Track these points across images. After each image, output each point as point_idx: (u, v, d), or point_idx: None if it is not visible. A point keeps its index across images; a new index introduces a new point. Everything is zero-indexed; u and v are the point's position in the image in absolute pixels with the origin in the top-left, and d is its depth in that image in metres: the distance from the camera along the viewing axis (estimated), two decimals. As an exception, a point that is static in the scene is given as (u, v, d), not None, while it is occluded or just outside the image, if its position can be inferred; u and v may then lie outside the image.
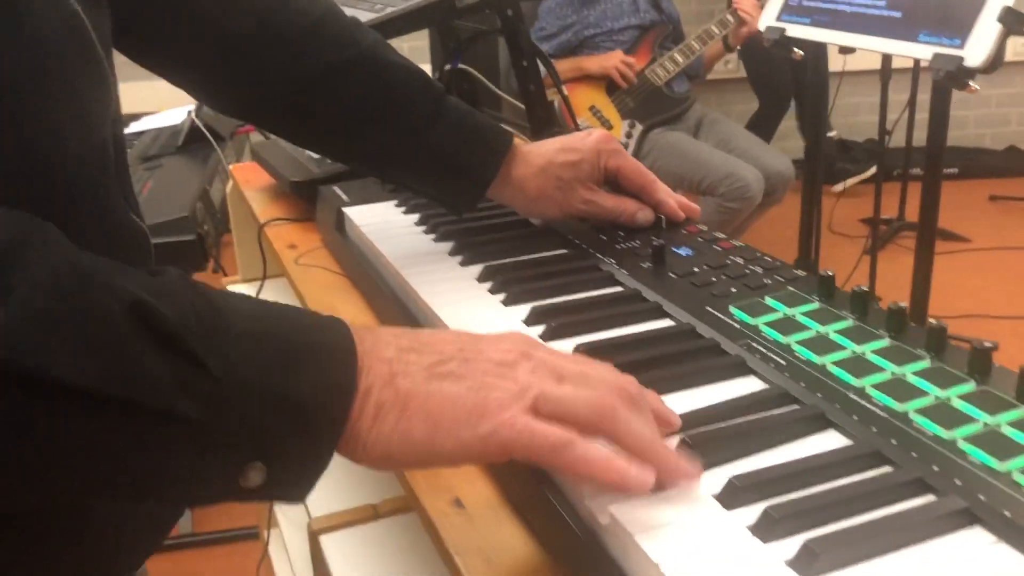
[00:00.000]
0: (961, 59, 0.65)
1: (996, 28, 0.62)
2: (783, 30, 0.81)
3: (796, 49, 2.15)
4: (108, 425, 0.37)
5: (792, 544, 0.42)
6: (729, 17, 2.90)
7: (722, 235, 0.79)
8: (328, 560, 0.81)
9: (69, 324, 0.36)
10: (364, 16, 1.05)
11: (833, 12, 0.77)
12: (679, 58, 2.92)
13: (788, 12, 0.82)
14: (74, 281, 0.38)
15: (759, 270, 0.71)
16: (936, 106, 1.11)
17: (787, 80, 3.60)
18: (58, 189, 0.49)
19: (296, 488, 0.44)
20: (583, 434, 0.45)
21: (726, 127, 2.98)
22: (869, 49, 0.73)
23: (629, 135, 2.85)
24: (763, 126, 4.08)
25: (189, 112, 2.21)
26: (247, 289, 1.34)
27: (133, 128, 2.43)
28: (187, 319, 0.39)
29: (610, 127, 2.84)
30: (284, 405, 0.41)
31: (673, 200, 0.84)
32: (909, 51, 0.69)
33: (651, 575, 0.42)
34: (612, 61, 2.84)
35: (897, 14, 0.71)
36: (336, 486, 0.91)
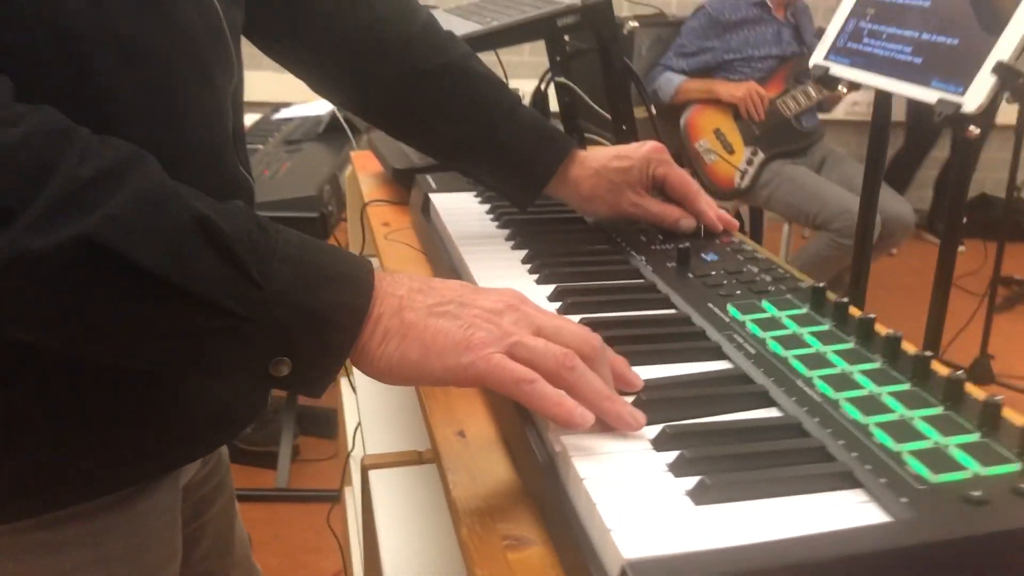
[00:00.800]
0: (959, 105, 0.71)
1: (991, 80, 0.68)
2: (827, 68, 0.88)
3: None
4: (169, 307, 0.51)
5: (696, 480, 0.51)
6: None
7: (749, 245, 0.87)
8: (372, 490, 0.93)
9: (152, 224, 0.50)
10: (474, 27, 1.18)
11: (869, 55, 0.84)
12: (812, 93, 2.93)
13: (834, 52, 0.89)
14: (162, 194, 0.52)
15: (768, 278, 0.79)
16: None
17: (936, 127, 3.55)
18: (184, 137, 0.64)
19: (315, 384, 0.56)
20: (546, 379, 0.56)
21: (850, 166, 2.96)
22: (891, 91, 0.80)
23: (750, 162, 2.89)
24: (903, 169, 4.01)
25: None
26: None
27: (283, 114, 2.67)
28: (241, 236, 0.52)
29: (732, 152, 2.88)
30: (309, 316, 0.54)
31: (713, 212, 0.93)
32: (921, 95, 0.75)
33: (580, 490, 0.52)
34: (741, 92, 2.88)
35: (918, 60, 0.77)
36: (392, 432, 1.03)
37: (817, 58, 0.90)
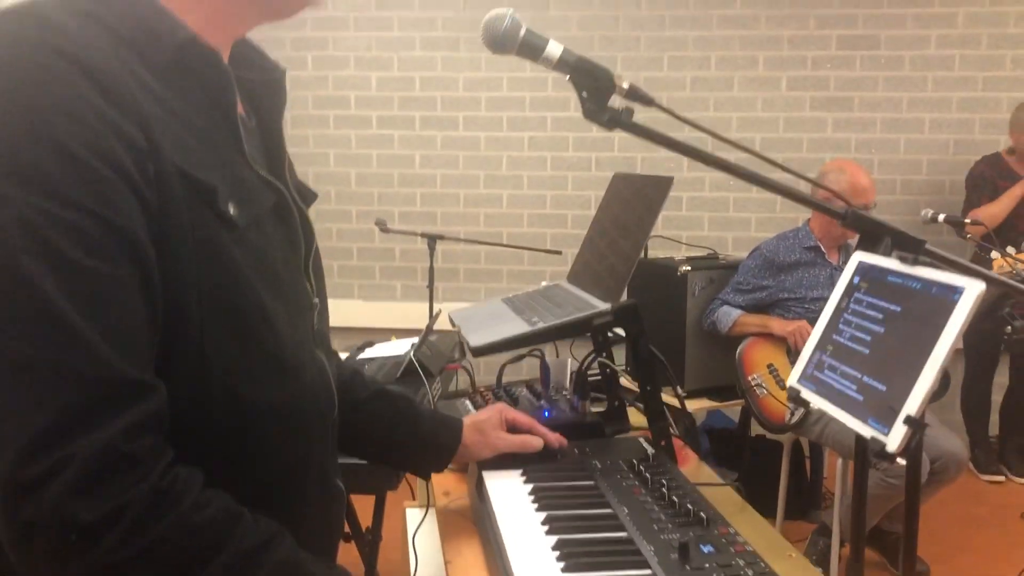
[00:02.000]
0: (884, 444, 0.89)
1: (903, 428, 0.86)
2: (799, 391, 1.07)
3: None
4: None
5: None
6: None
7: (742, 537, 1.04)
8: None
9: None
10: (523, 328, 1.43)
11: (828, 386, 1.03)
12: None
13: (804, 377, 1.09)
14: (295, 566, 0.76)
15: (750, 573, 0.96)
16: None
17: (996, 346, 3.65)
18: (306, 471, 0.91)
19: None
20: None
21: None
22: (843, 422, 0.98)
23: (803, 400, 3.03)
24: (974, 395, 4.04)
25: (412, 344, 2.70)
26: (419, 512, 1.69)
27: (367, 353, 2.96)
28: None
29: (783, 388, 3.03)
30: None
31: (551, 436, 1.37)
32: (863, 430, 0.93)
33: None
34: (792, 327, 3.07)
35: (860, 398, 0.96)
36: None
37: (792, 380, 1.10)
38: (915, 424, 0.85)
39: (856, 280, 1.08)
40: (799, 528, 3.33)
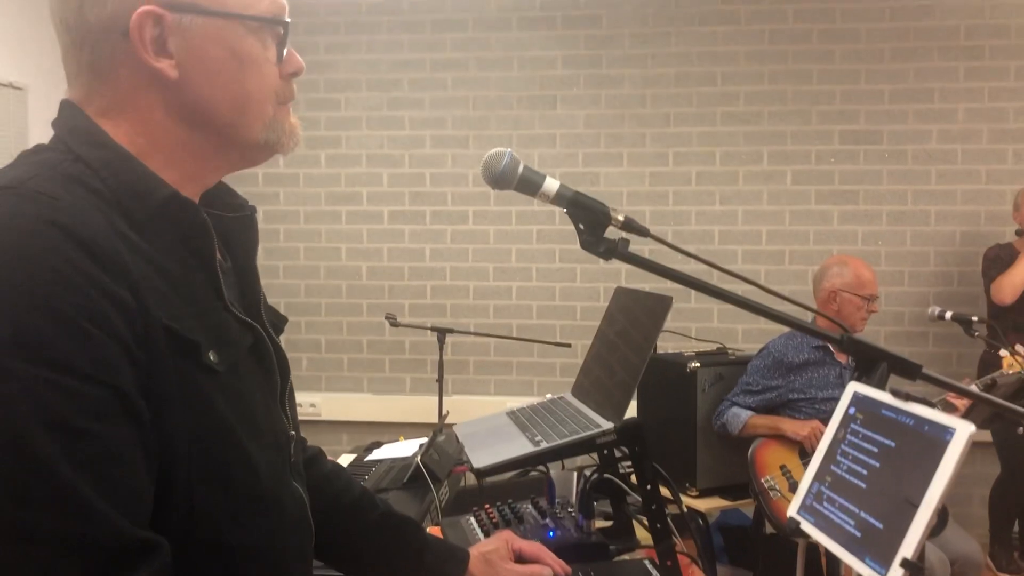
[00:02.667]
0: None
1: (900, 572, 0.86)
2: (799, 523, 1.07)
3: None
4: None
5: None
6: (952, 402, 3.04)
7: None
8: None
9: None
10: (528, 448, 1.43)
11: (827, 519, 1.03)
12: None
13: (803, 509, 1.09)
14: None
15: None
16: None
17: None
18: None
19: None
20: None
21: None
22: (842, 559, 0.98)
23: (815, 500, 2.99)
24: (1009, 490, 3.96)
25: (421, 446, 2.69)
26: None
27: (375, 455, 2.96)
28: None
29: (796, 489, 3.00)
30: None
31: (558, 564, 1.33)
32: (861, 569, 0.93)
33: None
34: (806, 430, 3.04)
35: (858, 534, 0.96)
36: None
37: (792, 511, 1.10)
38: (912, 568, 0.84)
39: (852, 411, 1.09)
40: (817, 630, 3.25)
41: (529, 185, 1.17)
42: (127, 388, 0.74)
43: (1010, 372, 2.91)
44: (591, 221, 1.18)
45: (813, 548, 3.42)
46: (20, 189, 0.77)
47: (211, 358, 0.83)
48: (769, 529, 3.29)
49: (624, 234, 1.20)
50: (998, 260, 3.87)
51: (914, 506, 0.88)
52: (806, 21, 4.30)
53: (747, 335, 4.30)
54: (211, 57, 0.87)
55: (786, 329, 3.36)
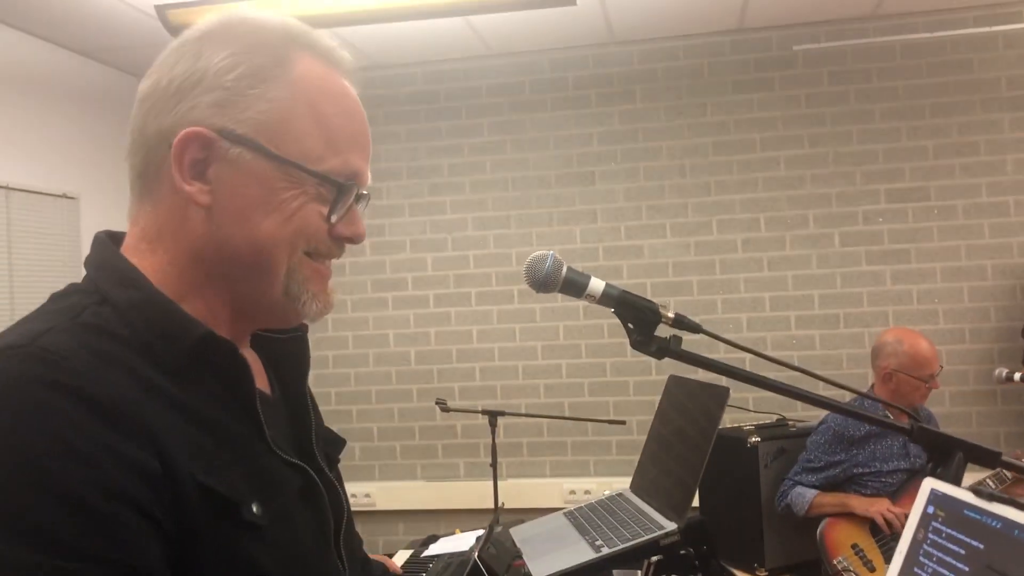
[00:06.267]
0: None
1: None
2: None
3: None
4: None
5: None
6: (1006, 473, 2.91)
7: None
8: None
9: None
10: (589, 555, 1.38)
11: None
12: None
13: None
14: None
15: None
16: None
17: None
18: None
19: None
20: None
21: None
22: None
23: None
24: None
25: (477, 539, 2.63)
26: None
27: (432, 550, 2.89)
28: None
29: (873, 570, 2.86)
30: None
31: None
32: None
33: None
34: (878, 507, 2.91)
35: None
36: None
37: None
38: None
39: (931, 510, 1.02)
40: None
41: (574, 287, 1.14)
42: (148, 565, 0.68)
43: None
44: (640, 320, 1.15)
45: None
46: (29, 348, 0.70)
47: (254, 511, 0.77)
48: (846, 609, 3.14)
49: (675, 331, 1.17)
50: None
51: (1011, 620, 0.81)
52: (842, 83, 4.28)
53: (806, 405, 4.17)
54: (248, 195, 0.82)
55: (844, 397, 3.26)
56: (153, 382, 0.75)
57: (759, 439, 3.22)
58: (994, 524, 0.91)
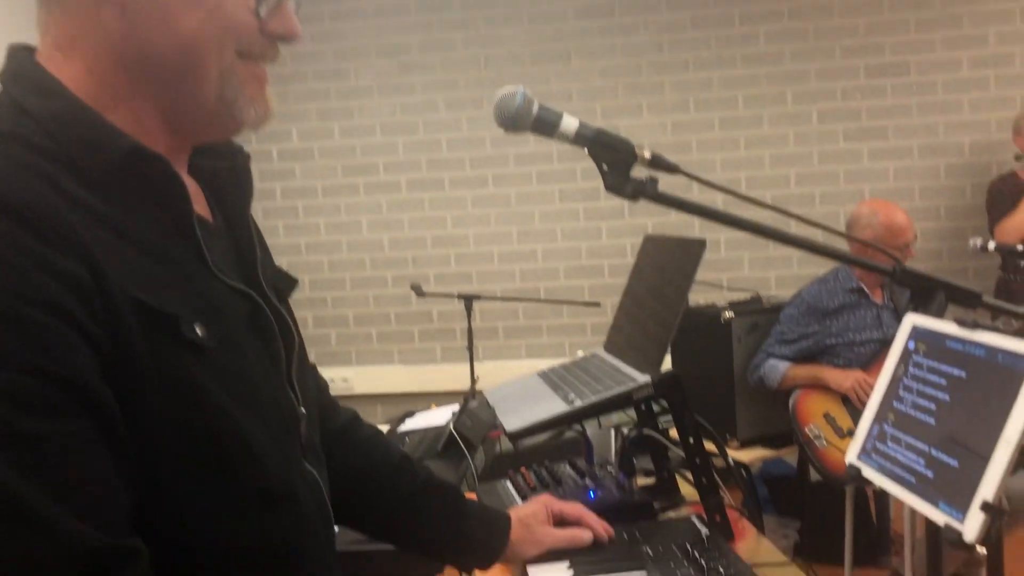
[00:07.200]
0: (960, 533, 0.80)
1: (981, 515, 0.78)
2: (860, 470, 0.99)
3: None
4: None
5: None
6: (1012, 322, 2.93)
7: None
8: None
9: None
10: (561, 407, 1.36)
11: (893, 459, 0.95)
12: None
13: (863, 453, 1.01)
14: None
15: None
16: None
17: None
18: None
19: None
20: None
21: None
22: (904, 501, 0.90)
23: (862, 445, 2.90)
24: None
25: (453, 413, 2.64)
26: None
27: (408, 425, 2.91)
28: None
29: (843, 436, 2.91)
30: None
31: (599, 526, 1.28)
32: (933, 515, 0.85)
33: None
34: (849, 381, 2.94)
35: (930, 474, 0.88)
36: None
37: (851, 457, 1.02)
38: (993, 512, 0.76)
39: (911, 344, 1.00)
40: (869, 575, 3.18)
41: (546, 125, 1.08)
42: (82, 376, 0.64)
43: None
44: (615, 160, 1.09)
45: (861, 495, 3.34)
46: None
47: (197, 332, 0.73)
48: (815, 477, 3.21)
49: (652, 173, 1.12)
50: (1001, 196, 3.70)
51: (993, 443, 0.80)
52: (824, -47, 4.13)
53: (780, 282, 4.19)
54: None
55: (820, 273, 3.26)
56: (78, 197, 0.70)
57: (733, 314, 3.23)
58: (977, 352, 0.89)
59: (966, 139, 4.15)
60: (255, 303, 0.84)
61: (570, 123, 1.08)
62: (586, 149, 1.10)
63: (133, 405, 0.68)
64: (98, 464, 0.65)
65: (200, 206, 0.84)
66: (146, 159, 0.74)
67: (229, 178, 0.89)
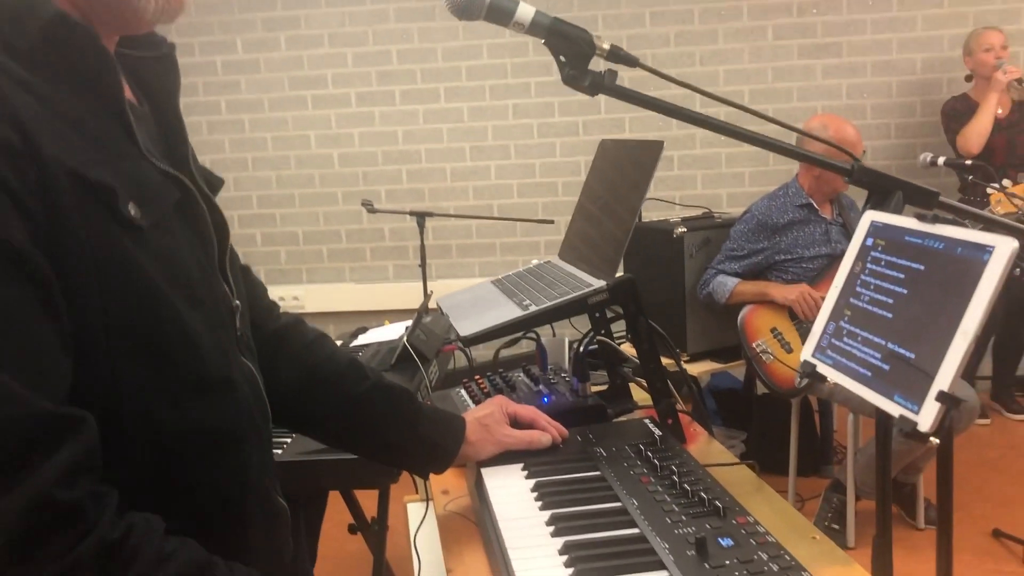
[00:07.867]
0: (916, 423, 0.81)
1: (936, 406, 0.79)
2: (815, 366, 0.99)
3: None
4: None
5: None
6: None
7: (762, 527, 0.97)
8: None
9: None
10: (516, 313, 1.34)
11: (849, 354, 0.95)
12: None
13: (819, 351, 1.01)
14: None
15: (775, 567, 0.88)
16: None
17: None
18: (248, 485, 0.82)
19: None
20: None
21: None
22: (867, 399, 0.90)
23: (809, 358, 2.96)
24: (1012, 337, 3.94)
25: (407, 328, 2.61)
26: (420, 508, 1.61)
27: (361, 340, 2.88)
28: None
29: (790, 351, 2.96)
30: None
31: (553, 428, 1.27)
32: (888, 408, 0.85)
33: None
34: (794, 295, 2.97)
35: (887, 367, 0.88)
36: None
37: (806, 354, 1.02)
38: (949, 401, 0.77)
39: (870, 241, 1.00)
40: (812, 484, 3.28)
41: (500, 13, 1.04)
42: (17, 242, 0.62)
43: (999, 211, 2.84)
44: (573, 52, 1.05)
45: (807, 407, 3.42)
46: None
47: (131, 211, 0.70)
48: (761, 391, 3.28)
49: (611, 65, 1.08)
50: (956, 113, 3.76)
51: (951, 334, 0.80)
52: None
53: (732, 199, 4.20)
54: None
55: (769, 190, 3.26)
56: (6, 67, 0.66)
57: (685, 230, 3.23)
58: (936, 245, 0.88)
59: (918, 56, 4.15)
60: (186, 189, 0.81)
61: (526, 10, 1.04)
62: (543, 40, 1.05)
63: (67, 280, 0.65)
64: (40, 332, 0.63)
65: (127, 92, 0.79)
66: (70, 26, 0.70)
67: (155, 66, 0.85)
